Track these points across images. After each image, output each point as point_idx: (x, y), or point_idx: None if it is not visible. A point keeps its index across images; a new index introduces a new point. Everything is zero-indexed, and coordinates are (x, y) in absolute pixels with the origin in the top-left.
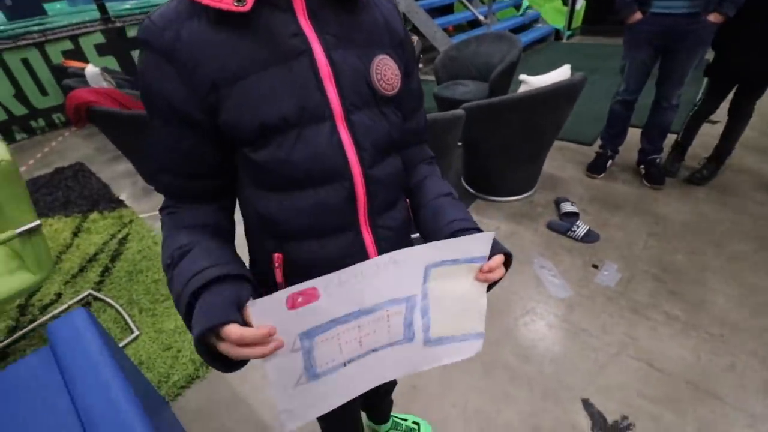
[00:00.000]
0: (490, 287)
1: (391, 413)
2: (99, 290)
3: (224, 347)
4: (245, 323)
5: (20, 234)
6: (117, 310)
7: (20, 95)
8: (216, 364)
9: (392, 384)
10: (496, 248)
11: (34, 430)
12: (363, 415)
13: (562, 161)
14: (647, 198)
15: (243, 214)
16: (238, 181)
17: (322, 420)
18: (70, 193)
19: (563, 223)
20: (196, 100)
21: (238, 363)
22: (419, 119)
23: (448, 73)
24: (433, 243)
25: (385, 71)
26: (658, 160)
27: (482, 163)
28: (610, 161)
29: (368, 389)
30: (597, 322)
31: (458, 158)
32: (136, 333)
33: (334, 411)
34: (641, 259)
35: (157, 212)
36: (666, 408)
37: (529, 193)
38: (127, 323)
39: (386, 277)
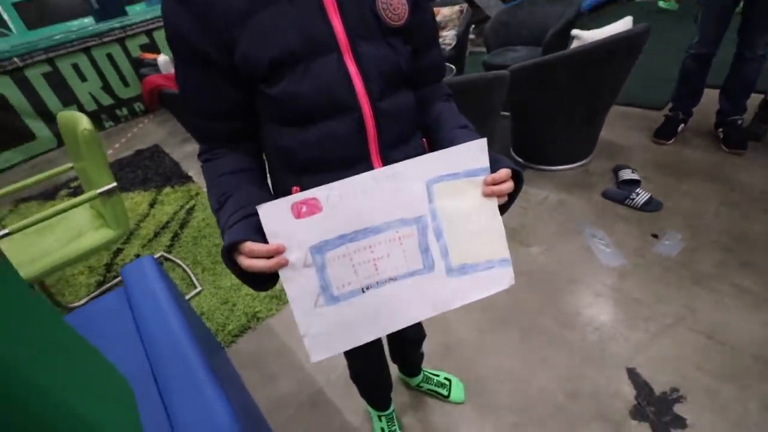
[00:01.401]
0: (504, 209)
1: (423, 368)
2: (170, 252)
3: (240, 259)
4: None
5: (101, 194)
6: (183, 269)
7: (107, 87)
8: (245, 279)
9: (421, 333)
10: (500, 164)
11: (107, 357)
12: (395, 368)
13: (625, 128)
14: (724, 164)
15: (265, 152)
16: (260, 120)
17: (351, 362)
18: (148, 171)
19: (621, 191)
20: (212, 39)
21: (265, 282)
22: (434, 55)
23: (500, 39)
24: (428, 154)
25: (391, 1)
26: (740, 122)
27: (532, 130)
28: (682, 125)
29: (395, 329)
30: (651, 292)
31: (505, 127)
32: (199, 288)
33: (362, 352)
34: (710, 228)
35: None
36: (725, 382)
37: (584, 162)
38: (191, 280)
39: (388, 192)
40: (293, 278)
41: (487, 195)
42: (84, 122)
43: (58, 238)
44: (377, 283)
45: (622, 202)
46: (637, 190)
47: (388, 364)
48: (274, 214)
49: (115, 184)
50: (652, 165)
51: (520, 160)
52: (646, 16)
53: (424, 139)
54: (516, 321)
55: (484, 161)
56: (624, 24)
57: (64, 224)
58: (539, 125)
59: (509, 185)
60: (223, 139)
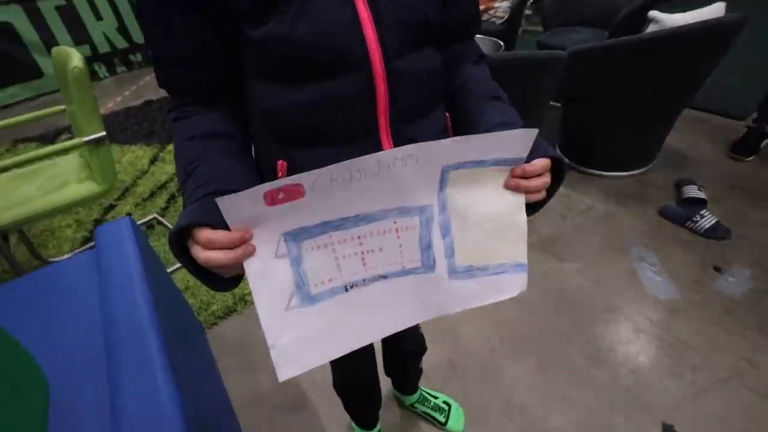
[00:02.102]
0: (535, 208)
1: (421, 387)
2: (163, 216)
3: (194, 249)
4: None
5: (87, 143)
6: None
7: (122, 29)
8: (201, 276)
9: (421, 345)
10: (539, 151)
11: (58, 325)
12: (387, 382)
13: (697, 135)
14: None
15: (250, 116)
16: (244, 75)
17: (336, 369)
18: (155, 124)
19: (682, 210)
20: None
21: (226, 280)
22: (467, 5)
23: (560, 18)
24: (455, 138)
25: None
26: None
27: (585, 126)
28: (766, 141)
29: (382, 335)
30: (705, 336)
31: (553, 119)
32: None
33: (349, 359)
34: None
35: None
36: None
37: (642, 170)
38: None
39: (392, 176)
40: (261, 272)
41: (511, 188)
42: (75, 59)
43: (42, 185)
44: (364, 280)
45: (683, 224)
46: (702, 212)
47: (378, 376)
48: (238, 206)
49: (103, 133)
50: (724, 184)
51: (566, 159)
52: (745, 5)
53: (447, 113)
54: (536, 346)
55: (523, 152)
56: (714, 10)
57: (51, 171)
58: (595, 121)
59: (544, 180)
60: (199, 94)
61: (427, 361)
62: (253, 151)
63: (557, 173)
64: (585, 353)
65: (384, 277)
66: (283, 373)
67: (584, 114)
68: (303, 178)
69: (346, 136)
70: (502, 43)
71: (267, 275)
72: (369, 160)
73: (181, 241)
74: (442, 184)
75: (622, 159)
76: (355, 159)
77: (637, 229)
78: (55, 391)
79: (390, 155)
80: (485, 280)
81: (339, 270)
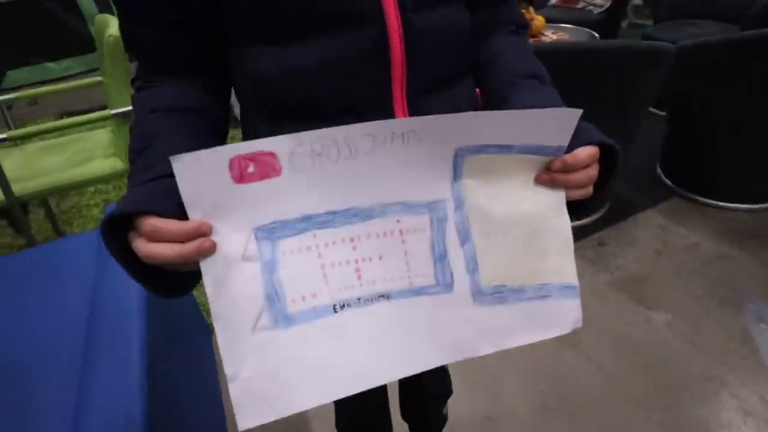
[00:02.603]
0: (579, 210)
1: None
2: None
3: (136, 242)
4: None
5: (115, 116)
6: None
7: None
8: (142, 276)
9: (446, 387)
10: (583, 136)
11: (43, 305)
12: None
13: None
14: None
15: (235, 89)
16: (228, 38)
17: (340, 409)
18: None
19: None
20: None
21: (176, 282)
22: None
23: (678, 9)
24: (470, 113)
25: None
26: None
27: (695, 142)
28: None
29: (384, 380)
30: None
31: (653, 131)
32: None
33: (357, 398)
34: None
35: None
36: None
37: None
38: None
39: (391, 157)
40: (222, 278)
41: (549, 184)
42: (112, 27)
43: (69, 158)
44: (359, 299)
45: None
46: None
47: (391, 420)
48: (198, 171)
49: (130, 107)
50: None
51: (667, 181)
52: None
53: (478, 90)
54: (600, 413)
55: (563, 138)
56: None
57: (81, 145)
58: (709, 137)
59: (589, 173)
60: (171, 60)
61: (457, 409)
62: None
63: (608, 163)
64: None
65: (386, 296)
66: (245, 420)
67: (695, 127)
68: (277, 144)
69: (351, 111)
70: (597, 36)
71: (230, 282)
72: (357, 131)
73: (119, 234)
74: (456, 172)
75: (743, 187)
76: (341, 128)
77: (757, 277)
78: (26, 371)
79: (385, 128)
80: (522, 307)
81: (326, 282)
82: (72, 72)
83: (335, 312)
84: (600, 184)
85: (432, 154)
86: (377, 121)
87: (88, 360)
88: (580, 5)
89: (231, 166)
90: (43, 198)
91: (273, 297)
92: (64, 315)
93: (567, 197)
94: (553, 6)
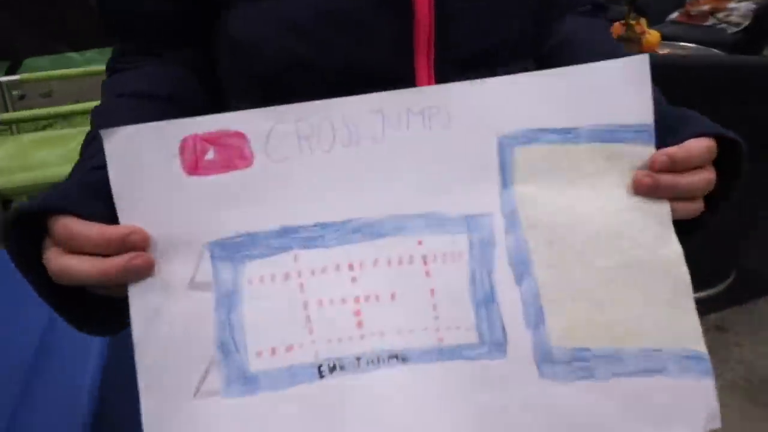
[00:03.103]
0: (686, 233)
1: None
2: None
3: (47, 255)
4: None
5: None
6: None
7: None
8: (54, 300)
9: None
10: (689, 125)
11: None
12: None
13: None
14: None
15: (220, 71)
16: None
17: None
18: None
19: None
20: None
21: (97, 311)
22: None
23: None
24: (504, 78)
25: None
26: None
27: None
28: None
29: None
30: None
31: None
32: None
33: None
34: None
35: None
36: None
37: None
38: None
39: (412, 145)
40: (157, 313)
41: (649, 190)
42: None
43: (66, 153)
44: (359, 360)
45: None
46: None
47: None
48: (136, 155)
49: None
50: None
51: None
52: None
53: None
54: None
55: (644, 112)
56: None
57: (81, 140)
58: None
59: (705, 177)
60: (147, 37)
61: None
62: None
63: (725, 167)
64: None
65: (400, 358)
66: None
67: None
68: (248, 121)
69: (359, 83)
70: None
71: (167, 320)
72: (360, 104)
73: (30, 241)
74: (505, 172)
75: None
76: (337, 100)
77: None
78: None
79: (398, 101)
80: (619, 386)
81: (309, 330)
82: (95, 65)
83: (321, 377)
84: (710, 198)
85: (466, 142)
86: (387, 92)
87: (33, 378)
88: (709, 22)
89: (182, 150)
90: (32, 194)
91: (229, 346)
92: (19, 328)
93: (673, 214)
94: (673, 22)
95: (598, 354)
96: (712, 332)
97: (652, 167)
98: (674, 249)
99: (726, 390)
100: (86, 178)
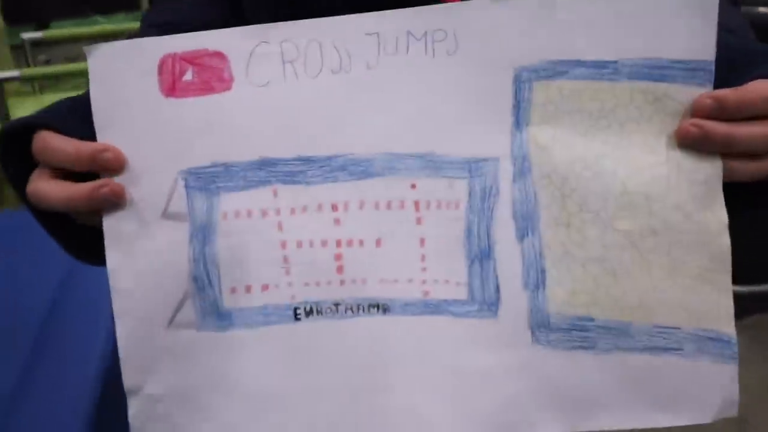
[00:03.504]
0: (748, 203)
1: None
2: None
3: (31, 176)
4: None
5: None
6: None
7: None
8: (53, 230)
9: None
10: (762, 66)
11: (14, 276)
12: None
13: None
14: None
15: None
16: None
17: None
18: None
19: None
20: None
21: (76, 232)
22: None
23: None
24: None
25: None
26: None
27: None
28: None
29: None
30: None
31: None
32: None
33: None
34: None
35: None
36: None
37: None
38: None
39: (411, 75)
40: (131, 242)
41: (695, 141)
42: None
43: None
44: (336, 306)
45: None
46: None
47: None
48: (116, 72)
49: None
50: None
51: None
52: None
53: None
54: None
55: (705, 45)
56: None
57: None
58: None
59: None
60: None
61: None
62: None
63: None
64: None
65: (381, 308)
66: None
67: None
68: (229, 40)
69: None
70: None
71: (141, 250)
72: (353, 25)
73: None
74: (519, 110)
75: None
76: (327, 19)
77: None
78: None
79: (397, 22)
80: (623, 361)
81: (286, 270)
82: (119, 30)
83: (296, 319)
84: None
85: (475, 74)
86: (384, 11)
87: (43, 342)
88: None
89: (161, 70)
90: None
91: (203, 280)
92: (32, 286)
93: (726, 175)
94: None
95: (602, 325)
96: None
97: (697, 112)
98: (717, 216)
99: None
100: (79, 99)
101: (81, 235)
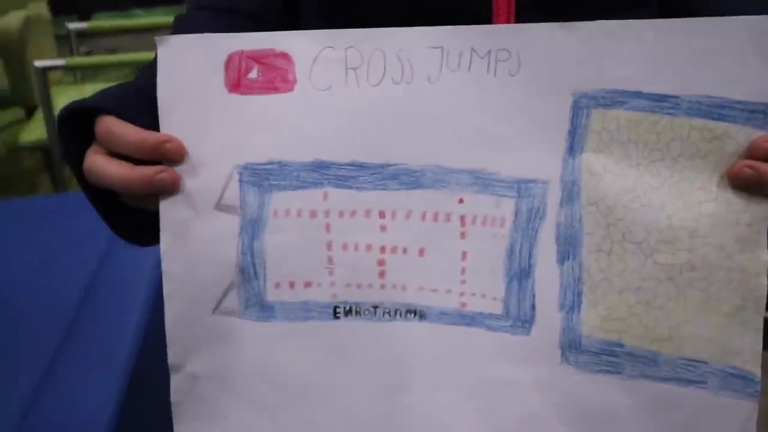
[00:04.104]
0: None
1: None
2: None
3: (87, 153)
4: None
5: None
6: None
7: None
8: (97, 203)
9: None
10: None
11: (51, 258)
12: None
13: None
14: None
15: None
16: None
17: None
18: None
19: None
20: None
21: (133, 218)
22: None
23: None
24: (611, 21)
25: None
26: None
27: None
28: None
29: None
30: None
31: None
32: None
33: None
34: None
35: None
36: None
37: None
38: None
39: (471, 92)
40: (184, 228)
41: (747, 183)
42: None
43: None
44: (375, 309)
45: None
46: None
47: None
48: (184, 64)
49: None
50: None
51: None
52: None
53: None
54: None
55: (766, 86)
56: None
57: None
58: None
59: None
60: None
61: None
62: None
63: None
64: None
65: (419, 314)
66: (181, 429)
67: None
68: (296, 43)
69: (427, 10)
70: None
71: (193, 236)
72: (419, 38)
73: (71, 137)
74: (575, 136)
75: None
76: (395, 29)
77: None
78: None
79: (462, 39)
80: (647, 388)
81: (330, 271)
82: (160, 24)
83: (336, 317)
84: None
85: (535, 96)
86: (451, 26)
87: (77, 324)
88: None
89: (227, 66)
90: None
91: (249, 272)
92: (67, 269)
93: None
94: None
95: (630, 352)
96: None
97: (753, 153)
98: (759, 257)
99: None
100: (139, 85)
101: (128, 215)
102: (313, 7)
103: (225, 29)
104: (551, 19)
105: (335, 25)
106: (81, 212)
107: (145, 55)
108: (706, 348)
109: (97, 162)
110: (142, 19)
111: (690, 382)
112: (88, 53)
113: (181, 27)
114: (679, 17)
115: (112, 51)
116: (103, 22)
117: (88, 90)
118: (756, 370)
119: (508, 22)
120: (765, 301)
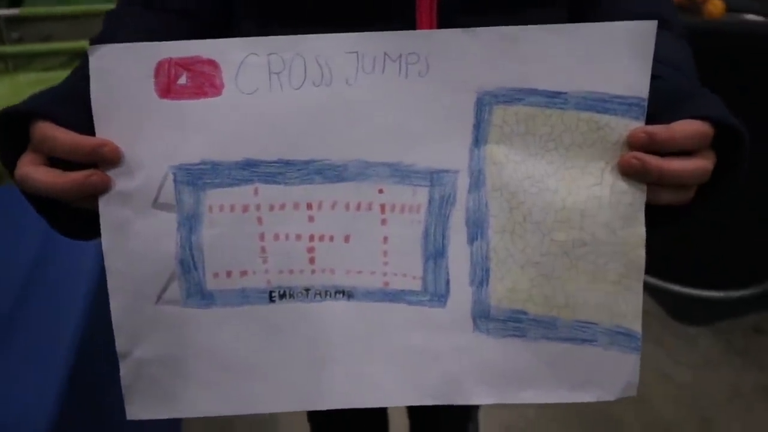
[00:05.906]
0: (666, 221)
1: None
2: None
3: (20, 160)
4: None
5: None
6: None
7: None
8: (35, 203)
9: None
10: (691, 104)
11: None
12: None
13: None
14: None
15: None
16: None
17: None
18: None
19: None
20: None
21: (71, 215)
22: None
23: None
24: (502, 28)
25: None
26: None
27: None
28: None
29: (335, 406)
30: None
31: None
32: None
33: (343, 418)
34: None
35: None
36: None
37: None
38: None
39: (385, 93)
40: (125, 226)
41: (633, 171)
42: None
43: None
44: (307, 291)
45: None
46: None
47: None
48: (116, 72)
49: None
50: None
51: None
52: None
53: None
54: None
55: (640, 83)
56: None
57: None
58: None
59: (697, 165)
60: None
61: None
62: None
63: (725, 158)
64: None
65: (346, 294)
66: (132, 409)
67: None
68: (222, 50)
69: (357, 15)
70: None
71: (134, 233)
72: (336, 43)
73: (17, 141)
74: (479, 130)
75: None
76: (314, 36)
77: None
78: None
79: (376, 44)
80: (547, 349)
81: (264, 260)
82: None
83: (271, 301)
84: (707, 189)
85: (442, 95)
86: (365, 33)
87: (13, 321)
88: None
89: (157, 73)
90: None
91: (188, 264)
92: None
93: (651, 199)
94: None
95: (533, 318)
96: (748, 335)
97: (631, 143)
98: (637, 232)
99: (759, 393)
100: (74, 86)
101: (67, 214)
102: (251, 6)
103: (155, 26)
104: (470, 20)
105: (268, 25)
106: (15, 206)
107: (81, 44)
108: (596, 312)
109: (28, 172)
110: (78, 5)
111: (584, 341)
112: (20, 40)
113: (110, 24)
114: (580, 15)
115: (46, 38)
116: (34, 9)
117: (22, 80)
118: (637, 328)
119: (430, 23)
120: (644, 269)
